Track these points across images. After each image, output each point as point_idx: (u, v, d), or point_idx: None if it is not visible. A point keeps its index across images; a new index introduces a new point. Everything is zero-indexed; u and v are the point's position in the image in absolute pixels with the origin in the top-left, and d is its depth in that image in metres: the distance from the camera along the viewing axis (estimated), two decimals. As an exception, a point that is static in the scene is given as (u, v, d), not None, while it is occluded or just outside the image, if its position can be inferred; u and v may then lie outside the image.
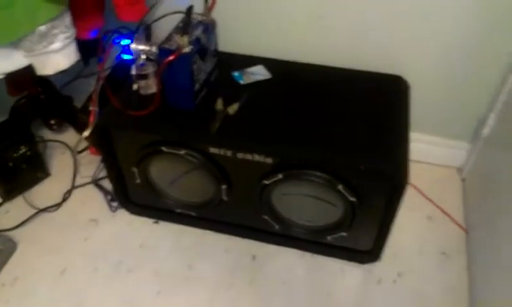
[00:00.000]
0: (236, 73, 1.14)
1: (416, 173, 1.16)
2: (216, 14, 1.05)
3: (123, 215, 1.29)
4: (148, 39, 1.01)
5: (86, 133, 1.04)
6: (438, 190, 1.31)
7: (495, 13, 1.05)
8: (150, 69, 1.05)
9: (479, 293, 1.05)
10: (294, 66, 1.19)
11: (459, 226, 1.23)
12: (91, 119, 1.05)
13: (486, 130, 1.20)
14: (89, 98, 1.25)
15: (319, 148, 0.97)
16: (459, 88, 1.21)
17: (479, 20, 1.07)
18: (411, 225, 1.23)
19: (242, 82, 1.12)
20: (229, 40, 1.19)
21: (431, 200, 1.29)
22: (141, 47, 1.03)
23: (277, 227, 1.14)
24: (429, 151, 1.35)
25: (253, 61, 1.18)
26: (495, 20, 1.07)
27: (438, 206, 1.27)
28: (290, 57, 1.19)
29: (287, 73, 1.16)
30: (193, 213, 1.21)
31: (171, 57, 0.92)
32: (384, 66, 1.15)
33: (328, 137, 0.99)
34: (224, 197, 1.11)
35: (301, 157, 0.97)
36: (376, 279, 1.13)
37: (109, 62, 1.18)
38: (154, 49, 0.98)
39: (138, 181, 1.17)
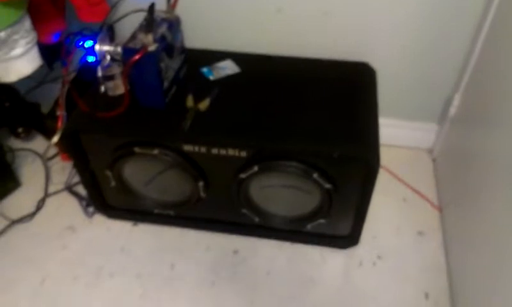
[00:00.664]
0: (205, 69, 1.13)
1: (388, 157, 1.19)
2: (180, 11, 1.03)
3: (101, 220, 1.27)
4: (111, 39, 0.99)
5: (55, 139, 1.02)
6: (411, 172, 1.34)
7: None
8: (116, 70, 1.03)
9: (456, 268, 1.08)
10: (262, 58, 1.18)
11: (433, 205, 1.26)
12: (59, 124, 1.03)
13: (452, 110, 1.22)
14: (56, 104, 1.22)
15: (292, 138, 0.97)
16: (424, 71, 1.23)
17: (442, 3, 1.09)
18: (387, 208, 1.25)
19: (211, 77, 1.11)
20: (195, 36, 1.18)
21: (404, 182, 1.32)
22: (106, 48, 1.01)
23: (257, 220, 1.14)
24: (400, 134, 1.38)
25: (220, 55, 1.17)
26: (457, 3, 1.09)
27: (411, 188, 1.30)
28: (257, 50, 1.19)
29: (256, 67, 1.15)
30: (172, 213, 1.20)
31: (136, 57, 0.91)
32: (350, 54, 1.16)
33: (299, 127, 0.99)
34: (202, 194, 1.10)
35: (274, 149, 0.97)
36: (356, 262, 1.15)
37: (74, 65, 1.16)
38: (119, 49, 0.97)
39: (113, 184, 1.15)
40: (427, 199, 1.27)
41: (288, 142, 0.96)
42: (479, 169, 1.02)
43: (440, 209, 1.24)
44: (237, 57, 1.17)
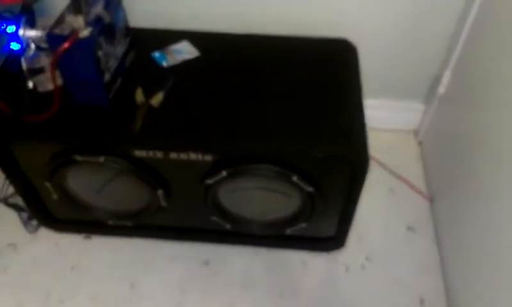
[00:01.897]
0: (157, 54, 0.96)
1: (371, 142, 1.06)
2: (120, -17, 0.85)
3: (47, 234, 1.11)
4: (32, 23, 0.79)
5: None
6: (396, 158, 1.23)
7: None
8: (45, 60, 0.85)
9: (451, 266, 1.00)
10: (225, 39, 1.01)
11: (422, 195, 1.16)
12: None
13: (441, 89, 1.12)
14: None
15: (266, 137, 0.83)
16: (411, 46, 1.12)
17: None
18: (373, 201, 1.14)
19: (165, 63, 0.94)
20: (142, 13, 1.01)
21: (390, 170, 1.21)
22: (30, 34, 0.81)
23: (228, 226, 1.00)
24: (382, 116, 1.26)
25: (175, 36, 0.99)
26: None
27: (398, 176, 1.20)
28: (219, 28, 1.02)
29: (218, 49, 0.99)
30: (129, 224, 1.04)
31: (65, 46, 0.71)
32: (328, 30, 1.02)
33: (274, 122, 0.85)
34: (163, 203, 0.94)
35: (245, 151, 0.82)
36: (342, 267, 1.04)
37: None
38: (42, 35, 0.77)
39: (55, 196, 0.97)
40: (416, 189, 1.17)
41: (261, 143, 0.82)
42: (471, 153, 0.94)
43: (431, 199, 1.15)
44: (195, 37, 1.00)
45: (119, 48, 0.87)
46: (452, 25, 1.06)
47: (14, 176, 0.95)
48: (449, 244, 1.02)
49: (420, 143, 1.28)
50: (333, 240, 1.03)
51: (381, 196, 1.16)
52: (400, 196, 1.16)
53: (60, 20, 0.75)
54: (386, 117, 1.27)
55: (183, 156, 0.83)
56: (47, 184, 0.94)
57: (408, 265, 1.03)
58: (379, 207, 1.14)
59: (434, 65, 1.14)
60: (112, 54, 0.84)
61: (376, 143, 1.21)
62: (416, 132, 1.30)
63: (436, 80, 1.15)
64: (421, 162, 1.23)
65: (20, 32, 0.82)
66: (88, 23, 0.74)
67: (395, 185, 1.18)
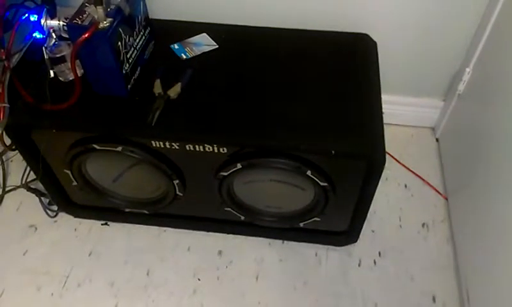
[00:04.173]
0: (176, 46, 0.96)
1: (387, 137, 1.06)
2: (140, -26, 0.85)
3: (66, 219, 1.14)
4: (53, 13, 0.80)
5: (-7, 136, 0.85)
6: (412, 154, 1.22)
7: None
8: (66, 49, 0.86)
9: (465, 264, 0.98)
10: (243, 31, 1.00)
11: (438, 192, 1.14)
12: (0, 118, 0.85)
13: (461, 86, 1.09)
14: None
15: (281, 131, 0.82)
16: (432, 42, 1.09)
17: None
18: (388, 196, 1.13)
19: (183, 56, 0.94)
20: (162, 4, 1.01)
21: (405, 166, 1.19)
22: (52, 24, 0.82)
23: (243, 218, 1.01)
24: (400, 112, 1.25)
25: (194, 28, 0.99)
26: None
27: (413, 172, 1.18)
28: (238, 21, 1.01)
29: (236, 41, 0.98)
30: (145, 212, 1.05)
31: (84, 36, 0.72)
32: (348, 24, 1.00)
33: (290, 116, 0.84)
34: (179, 193, 0.95)
35: (260, 144, 0.82)
36: (355, 261, 1.04)
37: (18, 45, 0.97)
38: (63, 25, 0.78)
39: (75, 183, 0.99)
40: (432, 186, 1.15)
41: (277, 137, 0.82)
42: (489, 150, 0.92)
43: (446, 196, 1.12)
44: (214, 29, 0.99)
45: (138, 40, 0.88)
46: (474, 23, 1.02)
47: (34, 164, 0.97)
48: (464, 242, 1.00)
49: (437, 140, 1.25)
50: (346, 235, 1.03)
51: (396, 192, 1.15)
52: (415, 192, 1.15)
53: (80, 11, 0.76)
54: (404, 113, 1.25)
55: (199, 148, 0.83)
56: (67, 171, 0.96)
57: (421, 262, 1.02)
58: (394, 203, 1.13)
59: (455, 62, 1.11)
60: (132, 45, 0.85)
61: (393, 139, 1.21)
62: (434, 129, 1.27)
63: (456, 77, 1.12)
64: (438, 159, 1.21)
65: (42, 21, 0.84)
66: (107, 14, 0.75)
67: (411, 182, 1.17)
